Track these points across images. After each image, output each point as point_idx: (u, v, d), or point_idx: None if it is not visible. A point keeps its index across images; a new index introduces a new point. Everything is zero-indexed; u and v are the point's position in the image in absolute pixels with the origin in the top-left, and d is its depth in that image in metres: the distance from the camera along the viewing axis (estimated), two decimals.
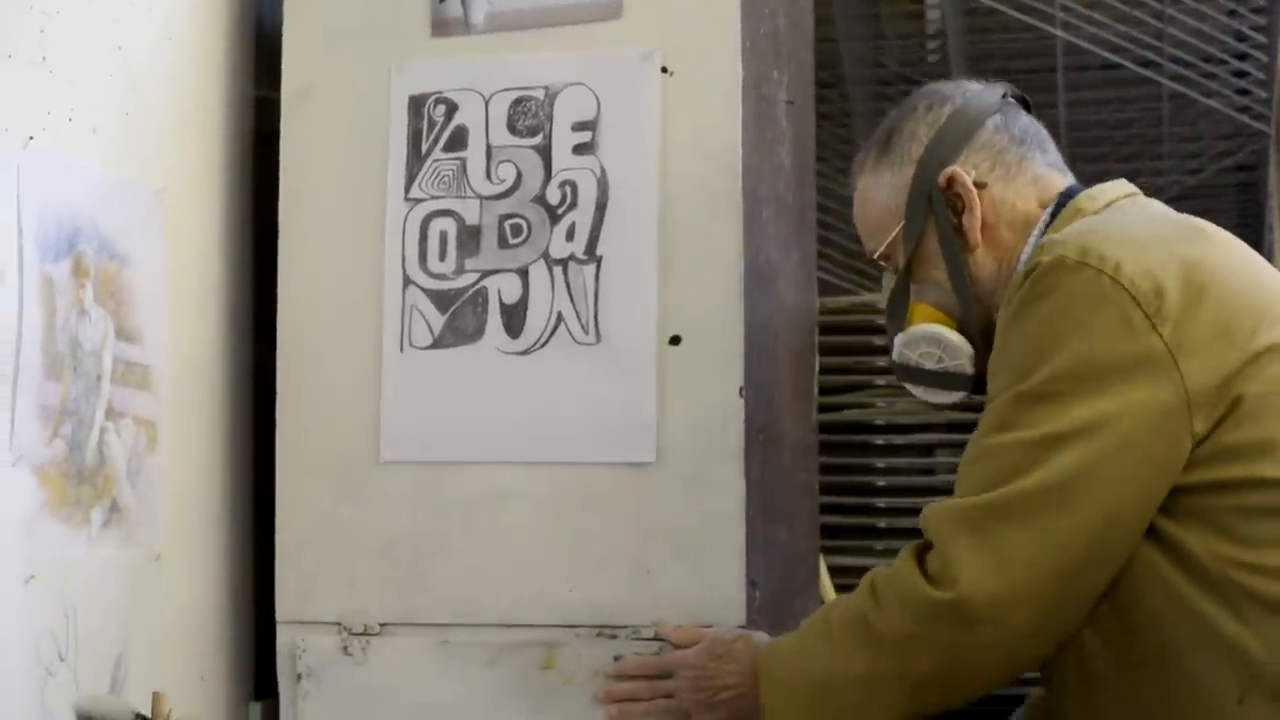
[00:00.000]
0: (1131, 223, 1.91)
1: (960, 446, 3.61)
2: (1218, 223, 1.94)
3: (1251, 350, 1.77)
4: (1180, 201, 3.97)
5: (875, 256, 2.08)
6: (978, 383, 2.04)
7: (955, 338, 2.02)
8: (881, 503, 3.78)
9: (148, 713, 1.91)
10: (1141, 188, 2.05)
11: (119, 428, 2.08)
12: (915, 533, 1.90)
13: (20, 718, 1.85)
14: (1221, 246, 1.88)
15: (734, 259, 2.18)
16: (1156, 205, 2.01)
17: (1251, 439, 1.76)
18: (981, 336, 2.01)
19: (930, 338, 2.03)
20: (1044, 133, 2.09)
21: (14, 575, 1.86)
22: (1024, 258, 1.97)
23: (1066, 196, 2.00)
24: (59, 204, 1.96)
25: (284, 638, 2.26)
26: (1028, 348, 1.81)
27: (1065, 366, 1.77)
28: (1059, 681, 1.89)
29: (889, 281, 2.10)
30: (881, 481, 3.78)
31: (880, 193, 2.06)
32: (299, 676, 2.24)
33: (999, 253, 2.00)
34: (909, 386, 2.09)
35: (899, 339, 2.06)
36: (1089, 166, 4.00)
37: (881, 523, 3.78)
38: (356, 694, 2.22)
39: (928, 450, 3.69)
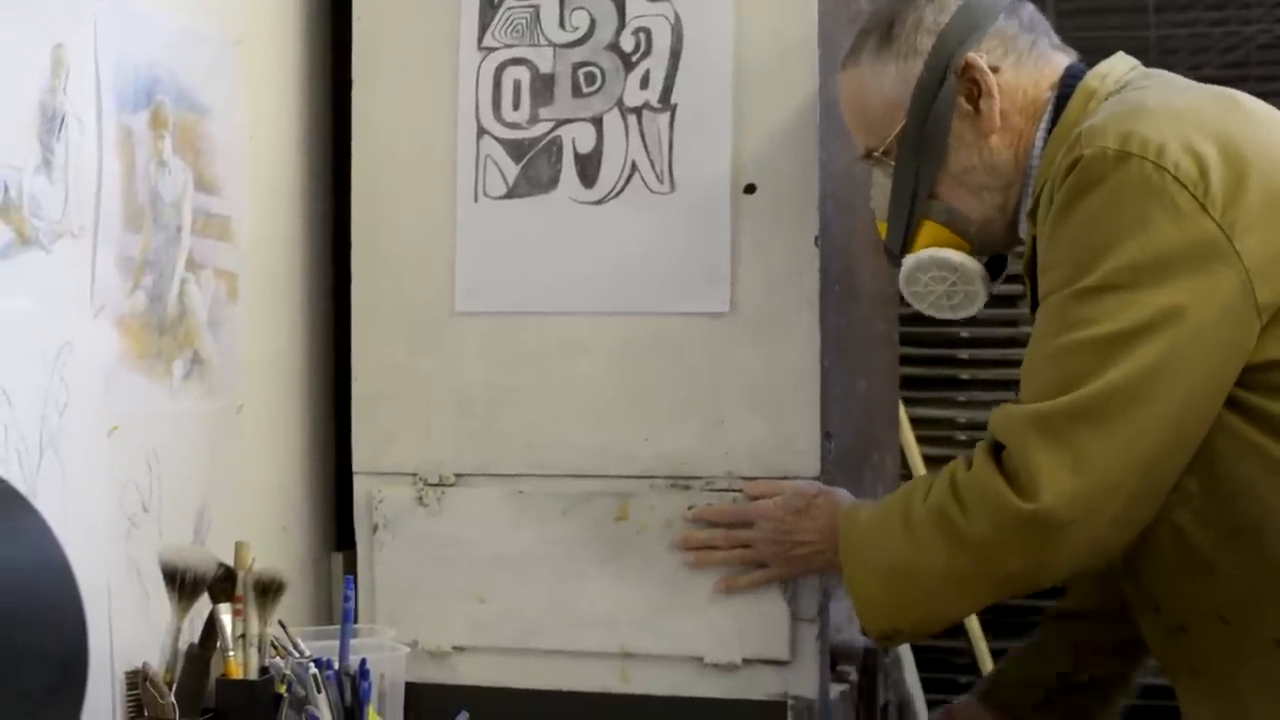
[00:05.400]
0: (1162, 98, 1.86)
1: None
2: None
3: None
4: (1269, 50, 3.89)
5: (878, 153, 2.02)
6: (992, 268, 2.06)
7: (970, 263, 2.01)
8: (964, 354, 3.76)
9: (231, 563, 1.93)
10: (1229, 35, 2.00)
11: (199, 279, 2.09)
12: (996, 384, 1.89)
13: (105, 568, 1.88)
14: (1255, 116, 1.84)
15: (810, 106, 2.16)
16: (1176, 77, 1.96)
17: None
18: (1004, 228, 2.01)
19: (942, 263, 2.01)
20: (1046, 22, 2.04)
21: (97, 426, 1.88)
22: (1038, 145, 1.95)
23: (1071, 76, 1.97)
24: (137, 55, 1.96)
25: (361, 488, 2.29)
26: (1082, 243, 1.78)
27: (1124, 260, 1.75)
28: (1155, 567, 1.88)
29: (881, 180, 2.05)
30: (964, 332, 3.75)
31: (883, 84, 2.00)
32: (376, 527, 2.27)
33: (1012, 139, 1.97)
34: (916, 304, 2.08)
35: (911, 262, 2.03)
36: (1177, 15, 3.91)
37: (964, 374, 3.76)
38: (432, 544, 2.25)
39: (1010, 301, 3.66)
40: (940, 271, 2.02)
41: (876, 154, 2.03)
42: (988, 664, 3.70)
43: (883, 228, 2.07)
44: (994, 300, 3.64)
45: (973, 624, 3.70)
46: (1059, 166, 1.82)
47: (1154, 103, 1.84)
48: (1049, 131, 1.95)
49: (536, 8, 2.23)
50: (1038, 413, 1.78)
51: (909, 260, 2.03)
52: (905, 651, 3.16)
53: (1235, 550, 1.81)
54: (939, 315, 2.09)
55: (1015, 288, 3.59)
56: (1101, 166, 1.77)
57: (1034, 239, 1.90)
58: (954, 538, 1.83)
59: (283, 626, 1.97)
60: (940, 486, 1.87)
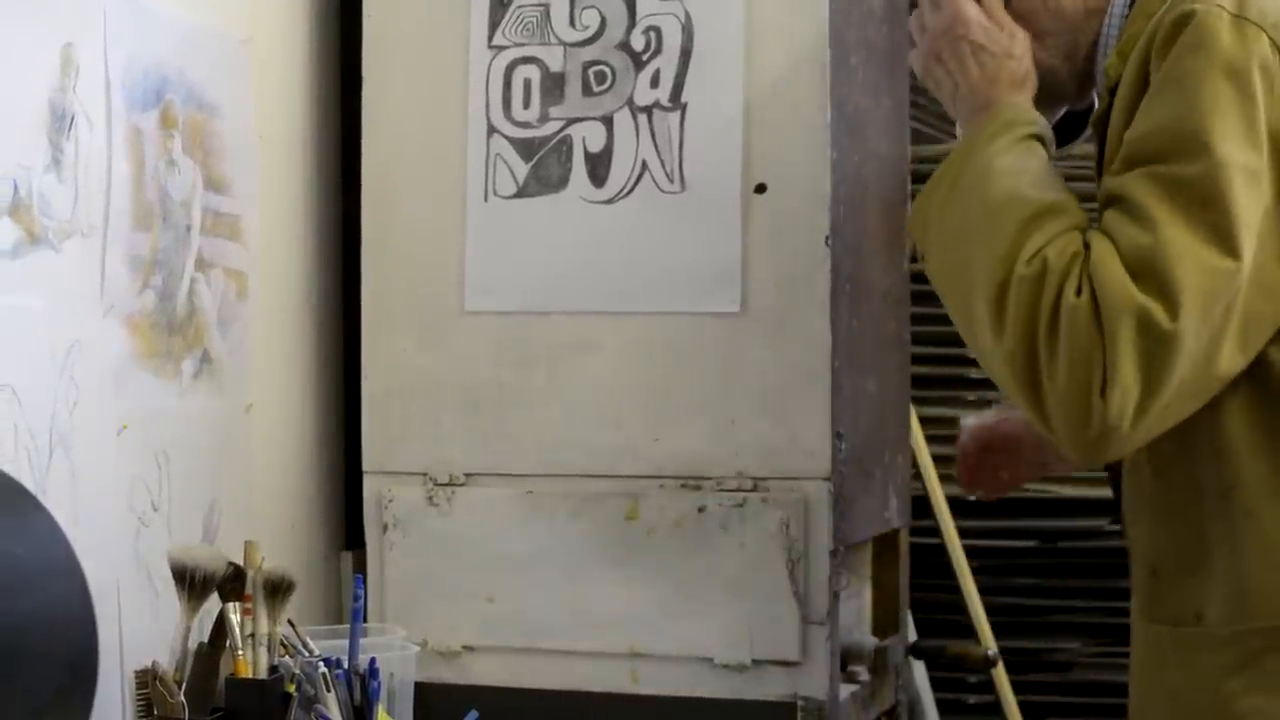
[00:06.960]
0: None
1: None
2: None
3: None
4: None
5: None
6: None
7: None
8: (973, 352, 3.76)
9: (240, 562, 1.93)
10: None
11: (209, 278, 2.10)
12: None
13: (114, 567, 1.89)
14: None
15: (820, 106, 2.15)
16: None
17: None
18: (1070, 80, 1.89)
19: None
20: None
21: (106, 426, 1.88)
22: None
23: None
24: (146, 53, 1.96)
25: (371, 488, 2.29)
26: (1184, 114, 1.66)
27: (1227, 138, 1.63)
28: (1132, 496, 1.83)
29: None
30: None
31: None
32: (385, 526, 2.27)
33: None
34: None
35: None
36: None
37: (974, 373, 3.75)
38: (442, 544, 2.25)
39: None
40: None
41: None
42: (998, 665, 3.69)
43: None
44: None
45: (983, 625, 3.69)
46: (1163, 21, 1.70)
47: None
48: None
49: (547, 6, 2.23)
50: (1144, 311, 1.62)
51: None
52: None
53: (1198, 508, 1.74)
54: None
55: None
56: (1215, 25, 1.66)
57: (1110, 94, 1.78)
58: (1024, 356, 1.69)
59: (292, 625, 1.97)
60: (1069, 265, 1.67)
